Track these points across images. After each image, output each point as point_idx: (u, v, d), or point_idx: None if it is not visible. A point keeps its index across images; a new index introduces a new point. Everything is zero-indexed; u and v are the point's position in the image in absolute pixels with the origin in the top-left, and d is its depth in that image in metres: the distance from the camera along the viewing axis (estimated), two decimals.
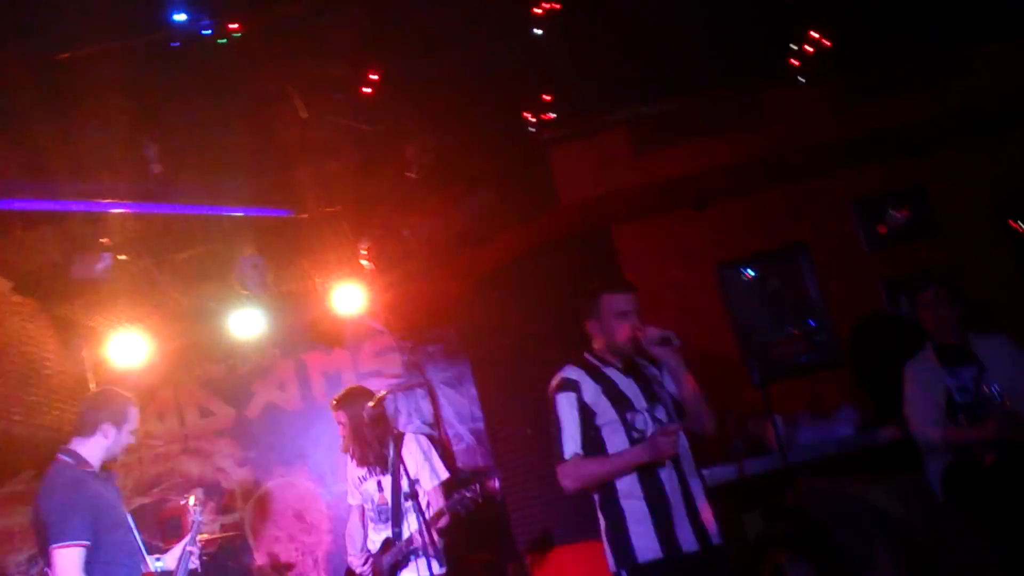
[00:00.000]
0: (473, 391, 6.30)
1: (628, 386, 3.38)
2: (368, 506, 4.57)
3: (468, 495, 4.28)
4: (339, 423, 4.59)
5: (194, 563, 4.06)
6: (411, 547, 4.27)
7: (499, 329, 5.82)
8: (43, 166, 3.79)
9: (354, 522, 4.71)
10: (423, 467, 4.46)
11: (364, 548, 4.57)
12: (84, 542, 3.53)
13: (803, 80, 4.62)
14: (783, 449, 4.20)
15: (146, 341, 5.54)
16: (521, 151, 4.87)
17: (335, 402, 4.63)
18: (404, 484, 4.27)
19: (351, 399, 4.54)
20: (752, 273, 5.43)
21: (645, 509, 3.24)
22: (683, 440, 3.29)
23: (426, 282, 5.68)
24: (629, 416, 3.31)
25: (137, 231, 4.55)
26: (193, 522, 4.13)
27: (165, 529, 5.80)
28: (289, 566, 5.99)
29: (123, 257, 4.48)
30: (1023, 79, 4.80)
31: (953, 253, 5.20)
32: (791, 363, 5.30)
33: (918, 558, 4.56)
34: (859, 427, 4.79)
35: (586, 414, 3.34)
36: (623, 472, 3.28)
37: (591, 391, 3.37)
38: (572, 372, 3.44)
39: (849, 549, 4.60)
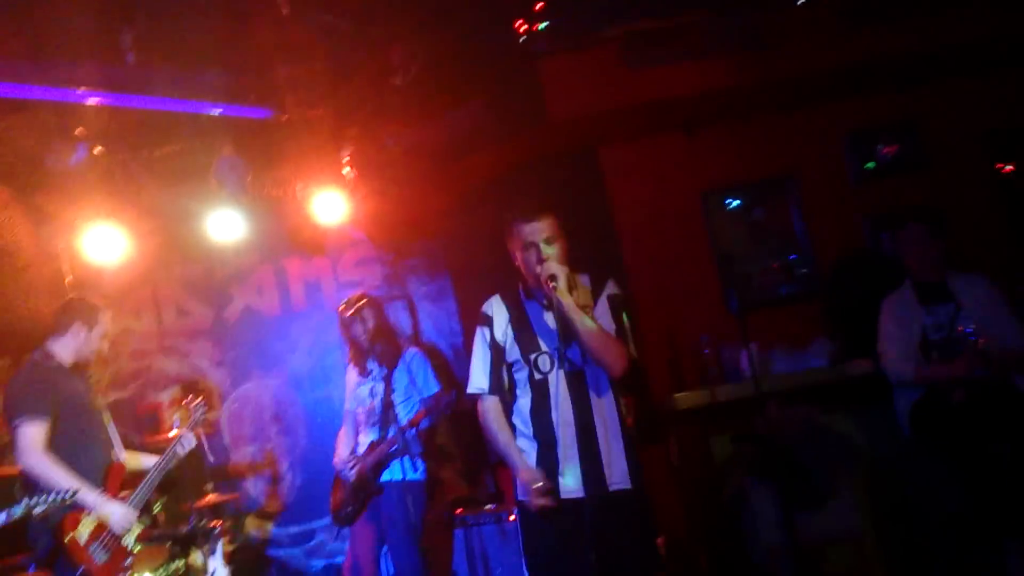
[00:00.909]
0: (453, 306, 6.31)
1: (543, 323, 3.21)
2: (360, 411, 4.68)
3: (443, 403, 4.41)
4: (342, 327, 4.65)
5: (184, 449, 4.30)
6: (391, 449, 4.41)
7: (481, 245, 5.78)
8: (10, 51, 3.68)
9: (347, 427, 4.82)
10: (416, 379, 4.57)
11: (354, 452, 4.69)
12: (43, 417, 3.65)
13: (801, 2, 4.49)
14: (756, 377, 4.24)
15: (123, 236, 5.47)
16: (511, 63, 4.75)
17: (342, 307, 4.69)
18: (393, 392, 4.43)
19: (355, 305, 4.62)
20: (737, 202, 5.38)
21: (534, 449, 3.16)
22: (599, 380, 3.16)
23: (409, 193, 5.60)
24: (533, 356, 3.18)
25: (113, 123, 4.44)
26: (194, 417, 4.39)
27: (141, 423, 5.86)
28: (265, 466, 6.09)
29: (99, 149, 4.38)
30: (1021, 15, 4.69)
31: (940, 191, 5.16)
32: (770, 294, 5.31)
33: (882, 490, 4.66)
34: (832, 360, 4.82)
35: (497, 351, 3.25)
36: (501, 451, 3.24)
37: (503, 327, 3.27)
38: (490, 305, 3.37)
39: (813, 476, 4.69)
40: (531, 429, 3.17)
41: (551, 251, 3.18)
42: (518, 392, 3.23)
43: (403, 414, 4.44)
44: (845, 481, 4.71)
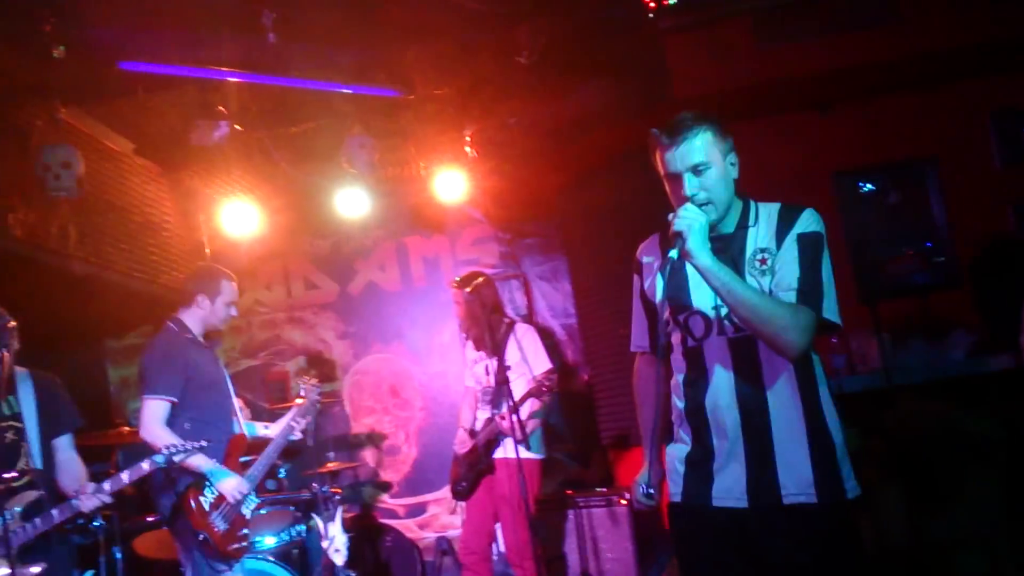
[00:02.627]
0: (568, 286, 6.30)
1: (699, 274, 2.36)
2: (477, 388, 4.75)
3: (546, 384, 4.40)
4: (456, 303, 4.72)
5: (296, 436, 4.32)
6: (500, 428, 4.45)
7: (600, 226, 5.75)
8: (162, 30, 3.88)
9: (465, 402, 4.90)
10: (528, 355, 4.59)
11: (472, 427, 4.76)
12: (170, 398, 3.84)
13: None
14: (887, 368, 4.07)
15: (257, 211, 5.74)
16: (637, 40, 4.67)
17: (456, 283, 4.74)
18: (507, 370, 4.44)
19: (470, 282, 4.66)
20: (872, 185, 5.14)
21: (688, 437, 2.50)
22: (764, 352, 2.36)
23: (529, 172, 5.62)
24: (683, 316, 2.48)
25: (252, 102, 4.64)
26: (309, 401, 4.39)
27: (269, 391, 6.13)
28: (383, 437, 6.27)
29: (238, 127, 4.58)
30: None
31: None
32: (905, 282, 5.05)
33: (1019, 491, 4.40)
34: (971, 353, 4.58)
35: (647, 304, 2.66)
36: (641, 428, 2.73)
37: (651, 276, 2.64)
38: (645, 248, 2.76)
39: (943, 476, 4.47)
40: (685, 411, 2.50)
41: (697, 185, 2.38)
42: (674, 361, 2.54)
43: (515, 392, 4.46)
44: (979, 481, 4.47)
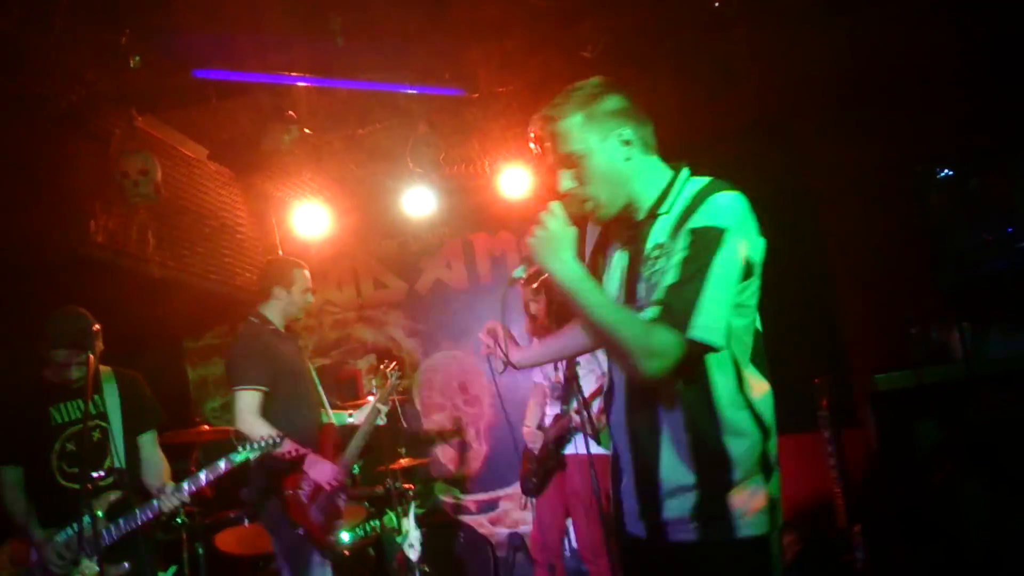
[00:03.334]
0: None
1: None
2: (546, 384, 4.75)
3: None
4: (525, 301, 4.73)
5: (383, 420, 4.40)
6: (571, 423, 4.44)
7: None
8: (233, 38, 3.96)
9: (534, 399, 4.91)
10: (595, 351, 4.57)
11: (541, 423, 4.77)
12: (261, 387, 3.88)
13: None
14: (968, 359, 3.95)
15: (327, 213, 5.83)
16: (702, 31, 4.60)
17: (524, 280, 4.74)
18: (576, 366, 4.42)
19: (536, 278, 4.65)
20: (951, 171, 4.98)
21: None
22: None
23: None
24: None
25: (321, 105, 4.70)
26: (390, 384, 4.48)
27: (341, 389, 6.23)
28: (453, 433, 6.31)
29: (308, 131, 4.65)
30: None
31: None
32: (985, 270, 4.89)
33: None
34: None
35: None
36: None
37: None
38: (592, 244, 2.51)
39: None
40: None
41: (570, 179, 2.11)
42: None
43: (585, 387, 4.45)
44: None
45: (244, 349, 4.03)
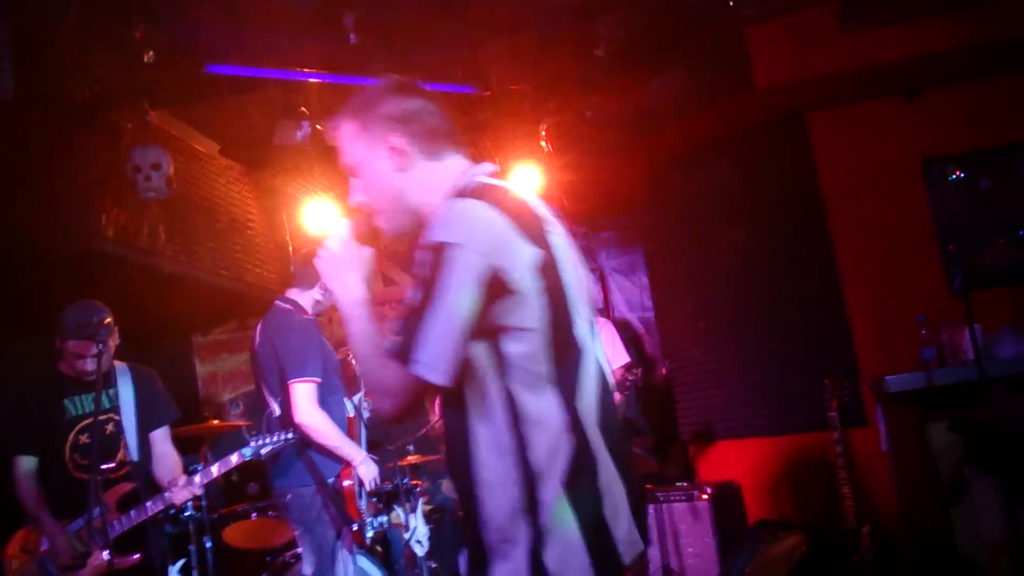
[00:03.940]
0: (645, 280, 6.26)
1: None
2: None
3: (630, 378, 4.39)
4: None
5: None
6: None
7: (677, 218, 5.69)
8: (245, 33, 3.97)
9: None
10: (605, 349, 4.57)
11: None
12: (317, 379, 3.81)
13: None
14: (980, 361, 3.93)
15: (338, 209, 5.83)
16: (717, 29, 4.60)
17: None
18: None
19: None
20: (962, 172, 4.97)
21: None
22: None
23: (605, 166, 5.59)
24: None
25: (333, 101, 4.70)
26: None
27: (348, 385, 6.23)
28: None
29: (320, 127, 4.65)
30: None
31: None
32: (998, 272, 4.88)
33: None
34: None
35: None
36: None
37: None
38: None
39: None
40: None
41: (355, 191, 1.96)
42: None
43: None
44: None
45: (303, 339, 3.86)
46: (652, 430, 5.96)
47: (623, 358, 4.65)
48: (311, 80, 4.45)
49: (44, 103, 4.01)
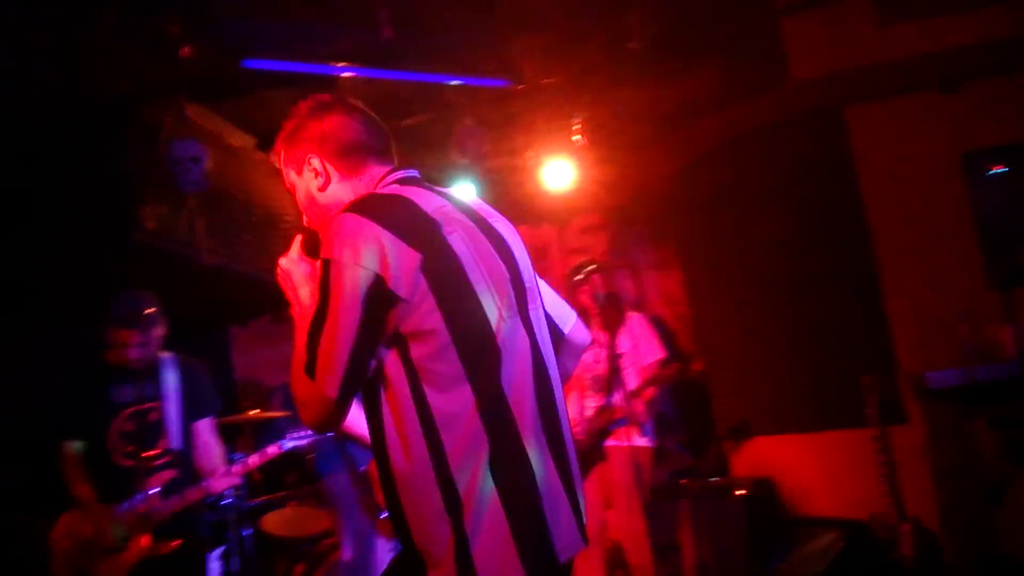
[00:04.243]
0: (679, 274, 6.21)
1: None
2: (586, 376, 4.75)
3: (665, 373, 4.38)
4: (568, 293, 4.75)
5: None
6: (615, 415, 4.45)
7: (712, 212, 5.65)
8: (281, 28, 4.01)
9: (575, 391, 4.91)
10: (639, 343, 4.57)
11: (581, 415, 4.77)
12: None
13: None
14: (1022, 357, 3.87)
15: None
16: (751, 22, 4.56)
17: (570, 273, 4.77)
18: (618, 358, 4.41)
19: (580, 270, 4.67)
20: (1003, 167, 4.87)
21: None
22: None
23: (637, 159, 5.56)
24: None
25: (367, 96, 4.71)
26: None
27: None
28: None
29: None
30: None
31: None
32: None
33: None
34: None
35: None
36: None
37: None
38: None
39: None
40: None
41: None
42: None
43: (628, 380, 4.44)
44: None
45: None
46: (686, 425, 5.92)
47: (657, 353, 4.63)
48: (345, 74, 4.47)
49: (83, 97, 4.08)
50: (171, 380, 3.68)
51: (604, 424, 4.57)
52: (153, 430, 3.62)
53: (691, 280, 6.08)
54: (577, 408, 4.84)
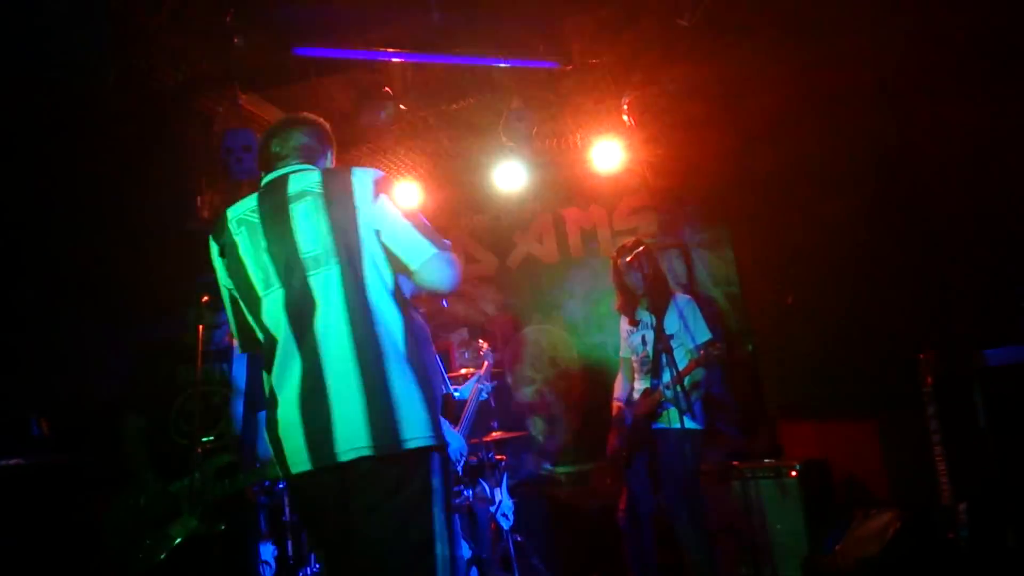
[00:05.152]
0: (730, 254, 6.14)
1: None
2: (634, 359, 4.73)
3: (714, 354, 4.33)
4: (616, 274, 4.72)
5: (485, 396, 4.45)
6: (664, 397, 4.41)
7: (764, 191, 5.57)
8: (331, 15, 4.04)
9: (622, 373, 4.89)
10: (688, 325, 4.52)
11: (629, 397, 4.75)
12: None
13: None
14: None
15: (418, 189, 5.91)
16: None
17: (618, 254, 4.74)
18: (667, 340, 4.37)
19: (630, 251, 4.63)
20: None
21: None
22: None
23: (687, 138, 5.49)
24: None
25: (416, 81, 4.75)
26: (489, 364, 4.50)
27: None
28: (544, 406, 6.36)
29: (403, 107, 4.71)
30: None
31: None
32: None
33: None
34: None
35: None
36: None
37: None
38: None
39: None
40: None
41: None
42: None
43: (677, 362, 4.40)
44: None
45: None
46: (738, 406, 5.88)
47: (705, 334, 4.57)
48: (395, 60, 4.50)
49: (139, 87, 4.16)
50: (239, 367, 3.74)
51: (651, 407, 4.54)
52: (215, 412, 3.70)
53: (743, 260, 6.01)
54: (625, 391, 4.82)
